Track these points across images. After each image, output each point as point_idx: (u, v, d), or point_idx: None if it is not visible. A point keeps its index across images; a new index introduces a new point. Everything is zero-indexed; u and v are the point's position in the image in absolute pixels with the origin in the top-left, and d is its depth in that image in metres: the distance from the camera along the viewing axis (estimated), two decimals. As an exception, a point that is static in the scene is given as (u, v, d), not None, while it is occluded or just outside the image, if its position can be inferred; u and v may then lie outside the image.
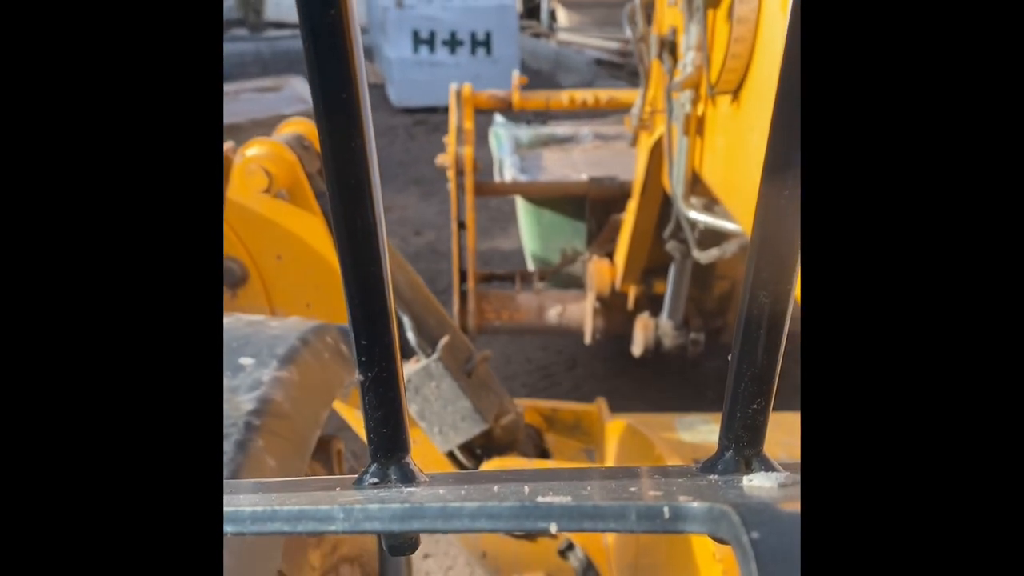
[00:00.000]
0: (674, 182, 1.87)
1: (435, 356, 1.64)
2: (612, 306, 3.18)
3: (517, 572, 1.75)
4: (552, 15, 14.67)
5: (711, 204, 1.83)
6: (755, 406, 0.35)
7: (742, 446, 0.36)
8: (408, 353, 1.71)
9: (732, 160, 1.47)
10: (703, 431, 1.53)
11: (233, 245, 1.63)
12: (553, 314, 3.30)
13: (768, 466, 0.37)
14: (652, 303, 3.13)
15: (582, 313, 3.27)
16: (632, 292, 3.09)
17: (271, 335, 0.78)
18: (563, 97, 3.33)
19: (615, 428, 1.78)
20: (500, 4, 9.50)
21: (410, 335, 1.67)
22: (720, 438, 0.37)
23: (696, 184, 1.84)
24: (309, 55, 0.30)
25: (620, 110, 3.14)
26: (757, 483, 0.36)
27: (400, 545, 0.39)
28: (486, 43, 9.36)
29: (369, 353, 0.36)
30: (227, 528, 0.35)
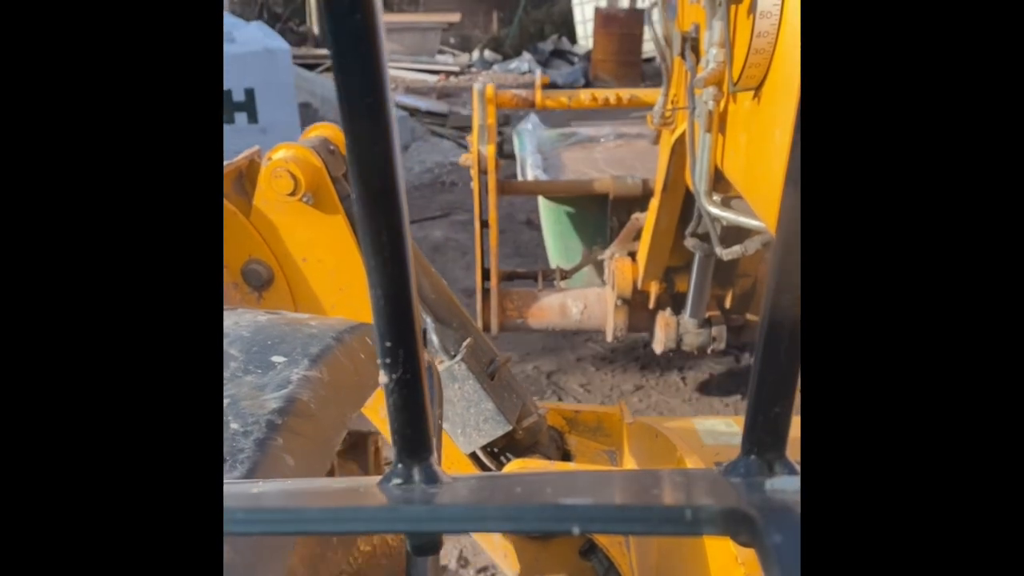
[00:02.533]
0: (696, 179, 1.86)
1: (458, 358, 1.64)
2: (634, 304, 3.18)
3: (539, 573, 1.75)
4: (361, 40, 13.91)
5: (728, 200, 1.82)
6: (777, 409, 0.35)
7: (764, 449, 0.36)
8: (430, 355, 1.72)
9: (754, 156, 1.46)
10: (725, 434, 1.52)
11: (259, 247, 1.64)
12: (575, 312, 3.32)
13: (791, 469, 0.37)
14: (674, 301, 3.14)
15: (604, 311, 3.27)
16: (654, 290, 3.10)
17: (308, 333, 0.79)
18: (585, 96, 3.34)
19: (636, 430, 1.78)
20: (266, 48, 6.67)
21: (433, 337, 1.68)
22: (742, 441, 0.37)
23: (719, 181, 1.83)
24: (335, 60, 0.30)
25: (642, 108, 3.15)
26: (780, 486, 0.36)
27: (424, 545, 0.39)
28: (248, 106, 6.56)
29: (394, 355, 0.36)
30: (253, 528, 0.35)
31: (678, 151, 2.25)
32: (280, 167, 1.57)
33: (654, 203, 2.68)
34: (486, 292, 3.34)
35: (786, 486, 0.35)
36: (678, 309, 3.12)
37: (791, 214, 0.32)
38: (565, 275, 3.41)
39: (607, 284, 3.29)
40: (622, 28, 10.57)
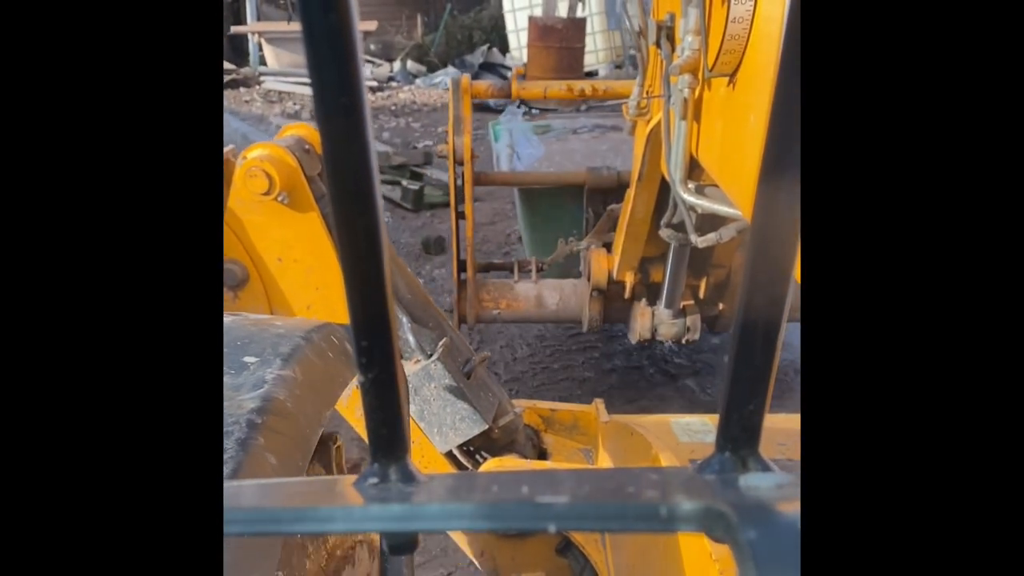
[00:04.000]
0: (672, 167, 1.87)
1: (434, 357, 1.64)
2: (610, 295, 3.20)
3: (515, 571, 1.75)
4: (262, 50, 11.77)
5: (703, 188, 1.83)
6: (751, 407, 0.36)
7: (738, 446, 0.37)
8: (407, 355, 1.71)
9: (729, 143, 1.47)
10: (699, 432, 1.53)
11: (234, 247, 1.63)
12: (551, 303, 3.34)
13: (764, 466, 0.37)
14: (649, 291, 3.15)
15: (580, 302, 3.29)
16: (629, 281, 3.11)
17: (275, 334, 0.79)
18: (561, 86, 3.35)
19: (612, 429, 1.78)
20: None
21: (409, 336, 1.68)
22: (717, 439, 0.37)
23: (694, 169, 1.84)
24: (310, 58, 0.30)
25: (618, 99, 3.16)
26: (754, 483, 0.36)
27: (400, 545, 0.39)
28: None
29: (369, 355, 0.36)
30: (228, 529, 0.35)
31: (653, 141, 2.26)
32: (255, 166, 1.56)
33: (629, 193, 2.69)
34: (462, 283, 3.35)
35: (760, 483, 0.36)
36: (653, 299, 3.14)
37: (765, 213, 0.32)
38: (542, 267, 3.41)
39: (583, 275, 3.30)
40: (561, 41, 8.87)
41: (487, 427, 1.70)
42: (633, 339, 3.23)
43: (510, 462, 1.73)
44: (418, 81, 13.09)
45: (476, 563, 1.83)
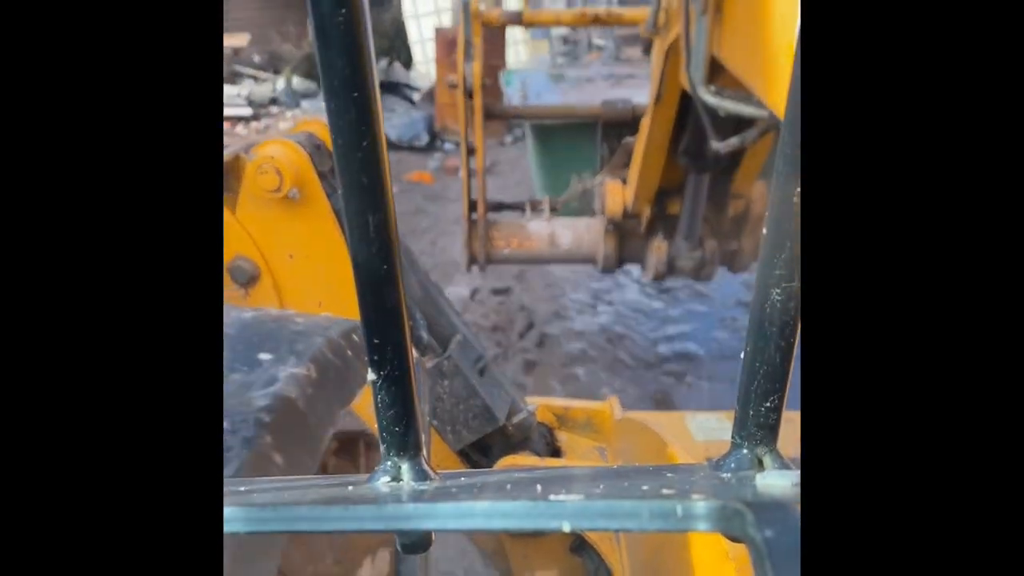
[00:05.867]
0: (692, 70, 1.81)
1: (447, 354, 1.64)
2: (625, 230, 3.08)
3: (528, 570, 1.75)
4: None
5: (723, 90, 1.78)
6: (768, 404, 0.35)
7: (755, 444, 0.36)
8: (420, 352, 1.72)
9: (755, 36, 1.42)
10: (715, 429, 1.53)
11: (245, 244, 1.64)
12: (564, 242, 3.21)
13: (782, 464, 0.37)
14: (665, 225, 3.04)
15: (594, 240, 3.16)
16: (645, 213, 3.00)
17: (294, 331, 0.78)
18: (574, 12, 3.29)
19: (626, 426, 1.78)
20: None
21: (422, 333, 1.68)
22: (733, 436, 0.37)
23: (715, 74, 1.79)
24: (320, 55, 0.30)
25: (631, 26, 3.06)
26: (771, 481, 0.35)
27: (414, 544, 0.39)
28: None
29: (381, 352, 0.36)
30: (242, 527, 0.35)
31: (671, 58, 2.21)
32: (266, 163, 1.56)
33: (645, 120, 2.59)
34: (472, 223, 3.22)
35: (777, 481, 0.35)
36: (670, 233, 3.02)
37: (780, 208, 0.32)
38: (555, 206, 3.28)
39: (597, 210, 3.20)
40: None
41: (501, 425, 1.70)
42: (649, 275, 3.08)
43: (524, 460, 1.72)
44: (305, 103, 10.91)
45: (489, 561, 1.83)
